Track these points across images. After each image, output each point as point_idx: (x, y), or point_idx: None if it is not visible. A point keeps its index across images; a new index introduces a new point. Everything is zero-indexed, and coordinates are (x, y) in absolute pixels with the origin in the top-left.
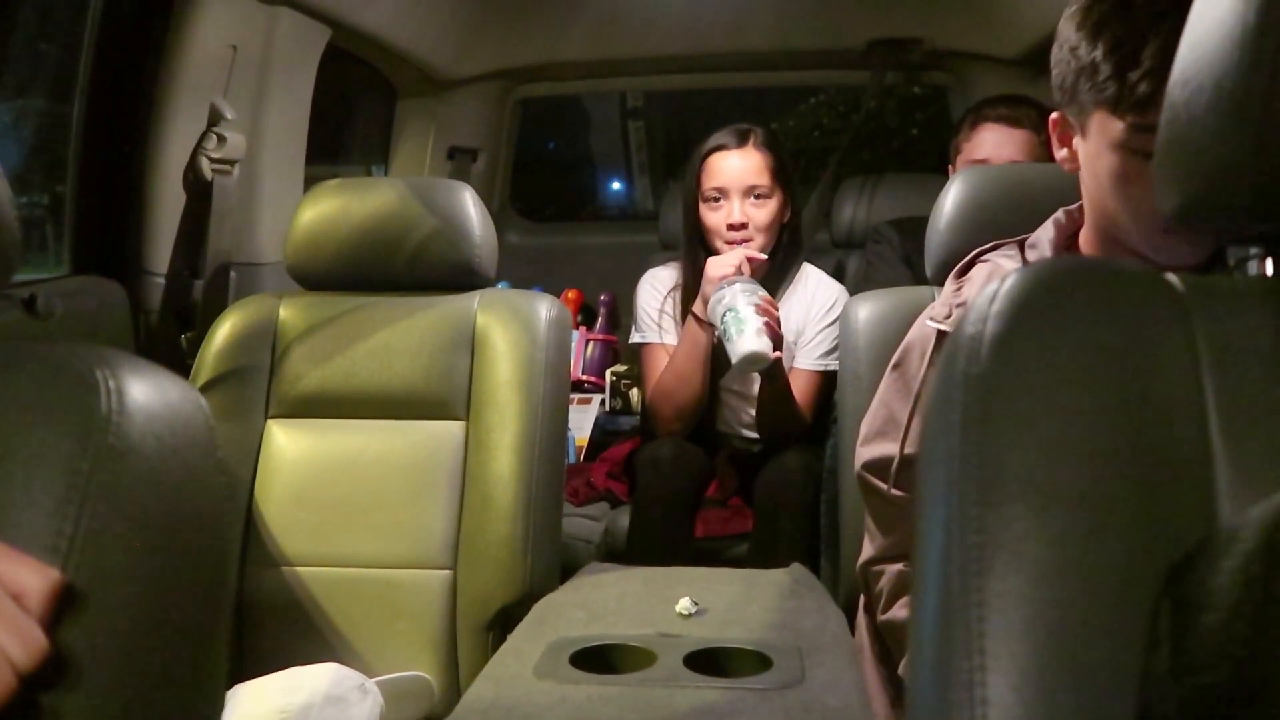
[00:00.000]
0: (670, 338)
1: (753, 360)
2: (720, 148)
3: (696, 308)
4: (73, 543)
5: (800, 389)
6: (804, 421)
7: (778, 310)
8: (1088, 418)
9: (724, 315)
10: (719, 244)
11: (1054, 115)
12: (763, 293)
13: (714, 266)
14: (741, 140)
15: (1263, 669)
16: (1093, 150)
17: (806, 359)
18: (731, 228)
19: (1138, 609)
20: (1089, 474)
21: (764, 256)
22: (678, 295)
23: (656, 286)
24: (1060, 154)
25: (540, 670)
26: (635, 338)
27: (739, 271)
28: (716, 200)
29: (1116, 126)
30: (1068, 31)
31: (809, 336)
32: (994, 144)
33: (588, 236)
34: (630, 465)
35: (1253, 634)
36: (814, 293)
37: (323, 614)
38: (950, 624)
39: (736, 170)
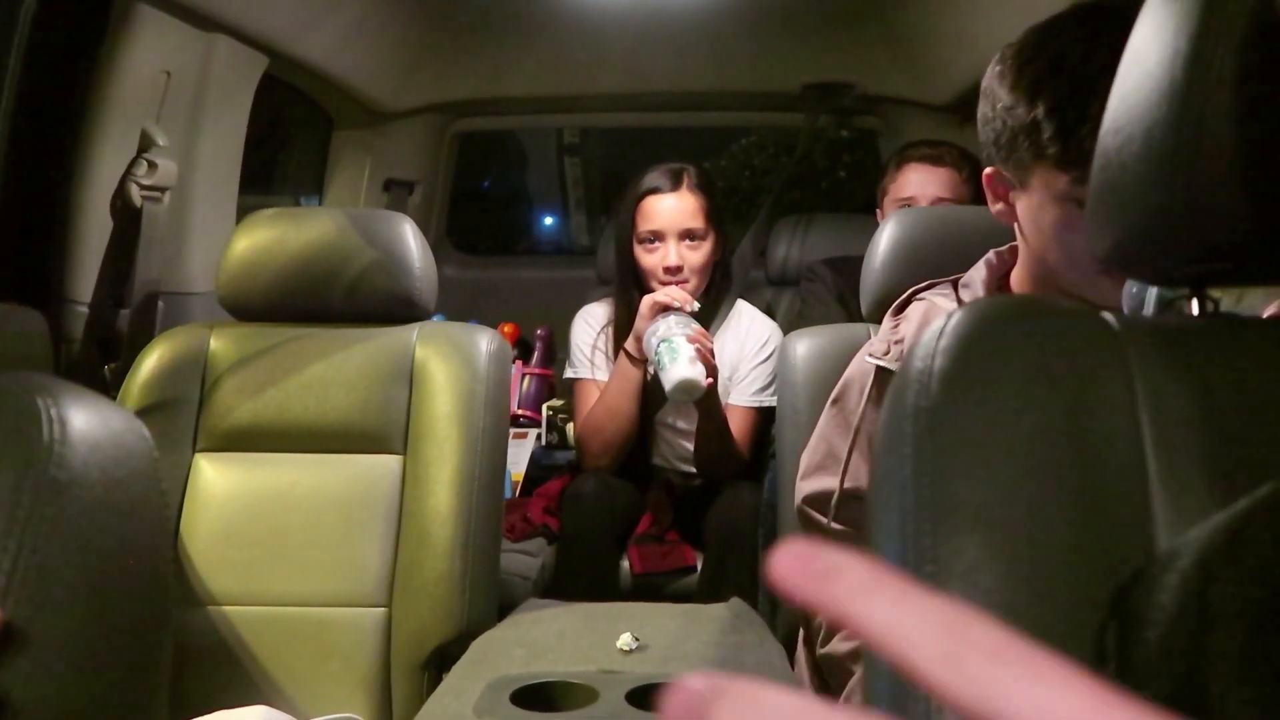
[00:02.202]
0: (602, 374)
1: (685, 388)
2: (655, 190)
3: (630, 344)
4: (11, 579)
5: (736, 425)
6: (742, 457)
7: (711, 343)
8: (1034, 449)
9: (658, 346)
10: (655, 285)
11: (987, 171)
12: (697, 325)
13: (648, 301)
14: (675, 182)
15: (1201, 681)
16: (1035, 202)
17: (741, 395)
18: (668, 270)
19: (1085, 629)
20: (1036, 504)
21: (697, 306)
22: (610, 331)
23: (590, 323)
24: (996, 207)
25: (480, 709)
26: (568, 373)
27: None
28: (652, 242)
29: (1061, 180)
30: (1000, 92)
31: (743, 373)
32: (919, 183)
33: (524, 271)
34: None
35: (1190, 647)
36: (748, 329)
37: (251, 655)
38: None
39: (672, 213)
